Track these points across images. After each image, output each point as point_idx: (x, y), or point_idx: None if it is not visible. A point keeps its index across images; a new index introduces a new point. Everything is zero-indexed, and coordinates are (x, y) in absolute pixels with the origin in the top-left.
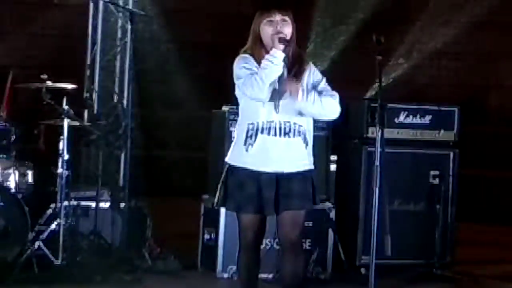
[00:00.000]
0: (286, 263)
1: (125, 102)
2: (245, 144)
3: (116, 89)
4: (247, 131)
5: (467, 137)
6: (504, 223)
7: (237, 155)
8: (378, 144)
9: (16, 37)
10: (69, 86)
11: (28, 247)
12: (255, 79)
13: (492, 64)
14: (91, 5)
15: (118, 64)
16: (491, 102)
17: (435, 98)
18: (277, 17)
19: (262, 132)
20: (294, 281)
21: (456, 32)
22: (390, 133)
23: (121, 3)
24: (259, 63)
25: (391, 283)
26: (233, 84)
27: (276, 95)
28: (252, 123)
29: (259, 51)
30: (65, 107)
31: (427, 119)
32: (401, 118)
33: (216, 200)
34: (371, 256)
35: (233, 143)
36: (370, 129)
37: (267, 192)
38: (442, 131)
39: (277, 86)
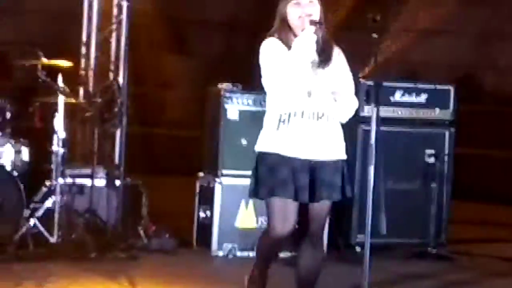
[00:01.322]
0: (305, 255)
1: (120, 79)
2: (277, 129)
3: (112, 67)
4: (280, 116)
5: (462, 116)
6: (499, 201)
7: (268, 141)
8: (373, 122)
9: (11, 14)
10: (64, 63)
11: (24, 224)
12: (286, 64)
13: (487, 43)
14: None
15: (113, 41)
16: (485, 81)
17: (429, 77)
18: None
19: (295, 115)
20: (311, 277)
21: (451, 11)
22: (385, 112)
23: None
24: (287, 46)
25: (386, 262)
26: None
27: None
28: (285, 110)
29: (286, 34)
30: (60, 84)
31: (422, 98)
32: (397, 96)
33: (249, 190)
34: (366, 234)
35: (262, 131)
36: (366, 108)
37: (302, 178)
38: (437, 110)
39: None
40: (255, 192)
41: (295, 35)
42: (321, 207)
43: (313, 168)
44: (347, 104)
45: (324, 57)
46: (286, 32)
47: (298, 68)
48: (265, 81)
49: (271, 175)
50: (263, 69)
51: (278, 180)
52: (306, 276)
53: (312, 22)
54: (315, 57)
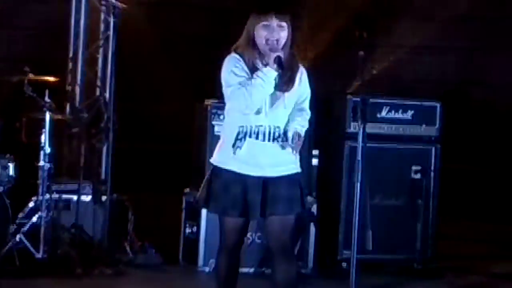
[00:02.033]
0: (279, 270)
1: (107, 95)
2: (233, 146)
3: (99, 83)
4: (238, 134)
5: (450, 132)
6: (486, 218)
7: (223, 157)
8: (360, 139)
9: None
10: (51, 79)
11: (9, 240)
12: (243, 94)
13: (475, 59)
14: None
15: (100, 57)
16: (473, 98)
17: (417, 93)
18: (274, 22)
19: (250, 136)
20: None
21: (439, 27)
22: (372, 128)
23: None
24: (248, 64)
25: (373, 278)
26: (218, 80)
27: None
28: (242, 126)
29: (251, 53)
30: (47, 100)
31: (409, 114)
32: (383, 113)
33: (198, 199)
34: (352, 250)
35: (219, 144)
36: (352, 124)
37: (253, 196)
38: (424, 126)
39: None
40: (205, 204)
41: (259, 54)
42: (283, 221)
43: (266, 185)
44: (301, 127)
45: (286, 82)
46: (250, 51)
47: (253, 101)
48: (224, 94)
49: (224, 192)
50: (224, 86)
51: (230, 198)
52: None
53: (276, 60)
54: (276, 79)
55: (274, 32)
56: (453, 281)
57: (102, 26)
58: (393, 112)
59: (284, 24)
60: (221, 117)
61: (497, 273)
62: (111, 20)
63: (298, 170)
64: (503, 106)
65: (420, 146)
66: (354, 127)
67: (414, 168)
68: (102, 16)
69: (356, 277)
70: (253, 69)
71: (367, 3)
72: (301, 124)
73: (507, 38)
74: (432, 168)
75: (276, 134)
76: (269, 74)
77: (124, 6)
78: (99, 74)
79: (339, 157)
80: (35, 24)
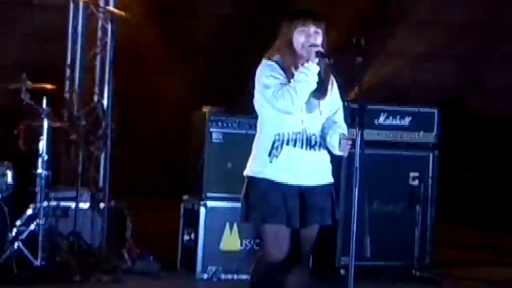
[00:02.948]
0: (293, 279)
1: (105, 102)
2: (269, 155)
3: (97, 90)
4: (274, 142)
5: (448, 139)
6: (485, 225)
7: (259, 167)
8: (357, 145)
9: None
10: (49, 86)
11: (8, 248)
12: (287, 90)
13: (472, 66)
14: (71, 5)
15: (98, 64)
16: (471, 104)
17: (415, 100)
18: (311, 28)
19: (287, 143)
20: None
21: (437, 34)
22: (370, 135)
23: (102, 3)
24: (286, 70)
25: (371, 285)
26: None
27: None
28: (278, 134)
29: (290, 59)
30: (45, 107)
31: (406, 120)
32: (381, 119)
33: (239, 217)
34: (350, 257)
35: (252, 156)
36: (350, 131)
37: (293, 204)
38: (421, 132)
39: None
40: (246, 217)
41: (297, 61)
42: (311, 231)
43: (303, 194)
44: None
45: (322, 90)
46: (290, 56)
47: (299, 97)
48: (261, 101)
49: (262, 202)
50: (262, 91)
51: (270, 206)
52: None
53: (318, 54)
54: (316, 88)
55: (311, 37)
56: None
57: (99, 33)
58: (390, 118)
59: (320, 30)
60: (219, 124)
61: (495, 279)
62: (109, 27)
63: (332, 180)
64: (500, 112)
65: (418, 153)
66: (352, 133)
67: (412, 174)
68: (100, 23)
69: (354, 284)
70: (290, 75)
71: (365, 10)
72: (342, 129)
73: (504, 45)
74: (430, 174)
75: (313, 141)
76: (311, 68)
77: (122, 13)
78: (96, 81)
79: (337, 163)
80: (33, 31)
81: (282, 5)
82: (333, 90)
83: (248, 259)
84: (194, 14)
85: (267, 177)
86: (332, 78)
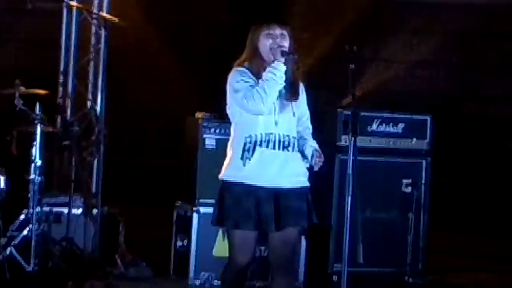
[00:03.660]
0: (278, 283)
1: (98, 108)
2: (242, 158)
3: (90, 96)
4: (244, 144)
5: (442, 146)
6: (477, 232)
7: (233, 170)
8: (350, 152)
9: None
10: (42, 92)
11: (0, 253)
12: (257, 91)
13: (465, 73)
14: (65, 11)
15: (91, 70)
16: (464, 111)
17: (408, 107)
18: (277, 31)
19: (260, 145)
20: None
21: (430, 42)
22: (362, 141)
23: (95, 9)
24: (256, 75)
25: None
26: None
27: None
28: (250, 136)
29: (258, 64)
30: (38, 113)
31: (399, 127)
32: (374, 126)
33: (212, 219)
34: (343, 264)
35: (227, 159)
36: (343, 137)
37: (267, 208)
38: (414, 139)
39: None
40: (219, 220)
41: (265, 66)
42: (289, 234)
43: (278, 197)
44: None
45: (292, 91)
46: (257, 62)
47: (268, 95)
48: (233, 107)
49: (236, 207)
50: (233, 95)
51: (243, 211)
52: None
53: (284, 53)
54: (285, 87)
55: (278, 40)
56: None
57: (93, 39)
58: (383, 125)
59: (285, 32)
60: (212, 130)
61: (488, 285)
62: (102, 33)
63: (307, 184)
64: (493, 119)
65: (411, 160)
66: (345, 140)
67: (405, 181)
68: (93, 29)
69: None
70: (260, 79)
71: (358, 18)
72: (314, 143)
73: (497, 52)
74: (423, 181)
75: (286, 142)
76: (278, 67)
77: (115, 19)
78: (89, 87)
79: (330, 170)
80: (26, 37)
81: (277, 14)
82: (303, 96)
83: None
84: (186, 20)
85: (241, 180)
86: (301, 84)
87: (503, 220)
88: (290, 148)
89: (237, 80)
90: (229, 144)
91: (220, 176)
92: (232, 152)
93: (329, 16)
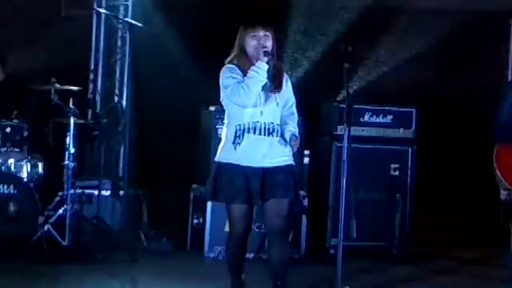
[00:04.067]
0: (273, 251)
1: (124, 102)
2: (233, 143)
3: (117, 91)
4: (236, 131)
5: (429, 136)
6: (456, 211)
7: (226, 153)
8: (345, 140)
9: (29, 46)
10: (75, 88)
11: (39, 230)
12: (242, 87)
13: (452, 68)
14: (95, 17)
15: (118, 69)
16: (450, 105)
17: (396, 99)
18: (261, 32)
19: (248, 131)
20: (282, 267)
21: (418, 38)
22: (356, 131)
23: (121, 15)
24: (244, 72)
25: (357, 262)
26: (219, 89)
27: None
28: (239, 124)
29: (244, 62)
30: (71, 106)
31: (388, 118)
32: (366, 117)
33: (205, 193)
34: (339, 238)
35: (221, 144)
36: (339, 127)
37: (254, 185)
38: (401, 129)
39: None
40: (214, 196)
41: (251, 63)
42: (279, 205)
43: (265, 175)
44: (294, 129)
45: (275, 84)
46: (244, 60)
47: (251, 91)
48: (224, 100)
49: (229, 184)
50: (223, 90)
51: (235, 188)
52: (278, 267)
53: (266, 53)
54: (267, 82)
55: (261, 40)
56: (427, 265)
57: (119, 42)
58: (374, 117)
59: (268, 34)
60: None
61: (465, 258)
62: (127, 36)
63: (292, 162)
64: (473, 113)
65: (398, 147)
66: (340, 130)
67: (393, 166)
68: (119, 33)
69: (342, 262)
70: (247, 75)
71: (351, 20)
72: (294, 127)
73: (481, 45)
74: (409, 166)
75: (271, 129)
76: (261, 66)
77: (139, 24)
78: (116, 84)
79: (328, 156)
80: (61, 40)
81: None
82: (287, 85)
83: (249, 240)
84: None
85: (232, 161)
86: (284, 75)
87: (478, 200)
88: (274, 134)
89: (226, 76)
90: (223, 130)
91: (216, 158)
92: (225, 137)
93: (325, 18)
